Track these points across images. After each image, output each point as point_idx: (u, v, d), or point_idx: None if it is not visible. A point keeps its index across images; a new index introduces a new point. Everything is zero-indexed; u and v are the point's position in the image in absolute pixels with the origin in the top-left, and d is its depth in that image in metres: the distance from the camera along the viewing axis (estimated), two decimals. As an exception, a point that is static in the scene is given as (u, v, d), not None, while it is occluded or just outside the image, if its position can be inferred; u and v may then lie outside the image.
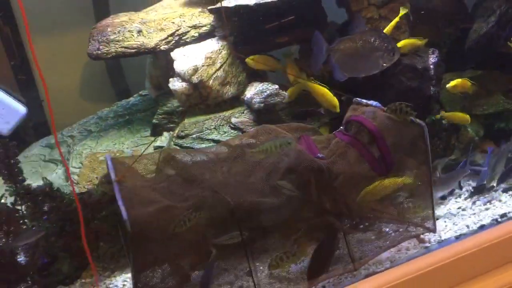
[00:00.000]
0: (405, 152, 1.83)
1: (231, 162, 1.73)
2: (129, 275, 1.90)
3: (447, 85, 2.28)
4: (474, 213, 2.12)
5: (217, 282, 1.80)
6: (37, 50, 2.79)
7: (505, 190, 2.23)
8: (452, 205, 2.21)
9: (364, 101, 1.94)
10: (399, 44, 2.25)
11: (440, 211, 2.16)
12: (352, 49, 2.00)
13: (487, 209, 2.14)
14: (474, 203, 2.19)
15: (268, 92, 2.22)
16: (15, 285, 1.88)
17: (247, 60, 2.29)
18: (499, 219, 2.03)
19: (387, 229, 1.97)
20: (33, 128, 2.68)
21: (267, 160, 1.69)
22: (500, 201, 2.17)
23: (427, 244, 1.94)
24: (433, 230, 1.96)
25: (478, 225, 2.02)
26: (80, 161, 2.30)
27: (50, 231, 1.84)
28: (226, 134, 2.20)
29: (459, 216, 2.11)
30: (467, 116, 2.29)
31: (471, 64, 2.39)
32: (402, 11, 2.28)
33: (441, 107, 2.38)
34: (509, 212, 2.07)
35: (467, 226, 2.02)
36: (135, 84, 2.90)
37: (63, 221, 1.81)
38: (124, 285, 1.94)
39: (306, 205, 1.74)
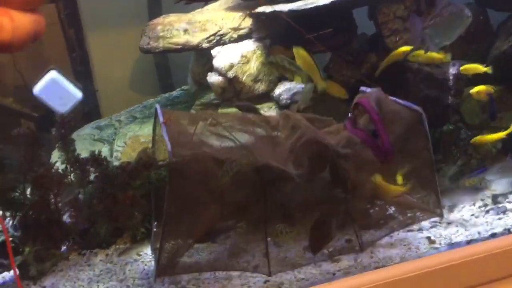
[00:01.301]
0: (406, 138, 1.88)
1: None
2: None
3: (471, 91, 2.27)
4: (487, 221, 2.14)
5: (235, 259, 1.89)
6: (96, 45, 3.12)
7: (518, 202, 2.24)
8: (465, 212, 2.23)
9: (369, 89, 2.02)
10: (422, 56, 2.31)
11: (452, 216, 2.19)
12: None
13: (500, 218, 2.15)
14: (487, 212, 2.21)
15: (295, 90, 2.37)
16: (60, 243, 2.06)
17: (294, 49, 2.25)
18: (512, 230, 2.05)
19: (395, 213, 2.03)
20: (88, 113, 2.95)
21: (287, 140, 1.79)
22: (513, 212, 2.18)
23: (437, 245, 1.98)
24: (440, 215, 1.99)
25: (489, 233, 2.03)
26: (124, 141, 2.51)
27: (93, 196, 2.01)
28: (255, 126, 2.35)
29: (471, 222, 2.14)
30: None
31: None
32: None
33: (460, 118, 2.43)
34: (521, 223, 2.08)
35: (479, 233, 2.04)
36: (179, 81, 3.09)
37: (105, 187, 1.97)
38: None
39: (318, 183, 1.82)
